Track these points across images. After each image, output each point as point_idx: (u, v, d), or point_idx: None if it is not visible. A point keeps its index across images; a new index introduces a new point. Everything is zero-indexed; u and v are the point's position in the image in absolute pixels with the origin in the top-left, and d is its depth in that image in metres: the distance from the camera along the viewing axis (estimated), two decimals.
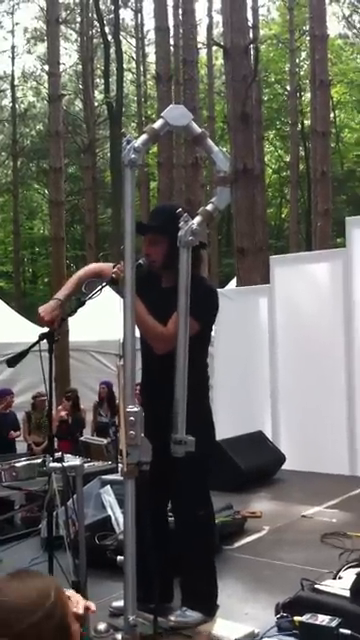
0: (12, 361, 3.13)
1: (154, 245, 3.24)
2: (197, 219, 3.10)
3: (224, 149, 3.56)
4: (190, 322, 3.01)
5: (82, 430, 9.82)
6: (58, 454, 3.37)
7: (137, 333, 3.05)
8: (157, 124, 3.06)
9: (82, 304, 3.14)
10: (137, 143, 2.90)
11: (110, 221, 28.48)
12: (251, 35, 12.63)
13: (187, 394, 2.97)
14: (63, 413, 9.64)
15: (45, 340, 3.09)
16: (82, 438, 9.08)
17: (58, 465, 3.09)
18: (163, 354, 3.12)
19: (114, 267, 3.07)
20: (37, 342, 3.06)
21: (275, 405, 7.51)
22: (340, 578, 3.17)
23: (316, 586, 2.96)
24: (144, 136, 3.00)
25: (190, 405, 2.98)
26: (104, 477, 4.86)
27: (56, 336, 3.09)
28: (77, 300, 3.17)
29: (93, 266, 3.46)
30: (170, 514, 3.41)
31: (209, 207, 3.18)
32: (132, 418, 2.75)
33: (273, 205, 31.53)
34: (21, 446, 9.55)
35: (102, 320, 11.00)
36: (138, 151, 2.88)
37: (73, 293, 3.20)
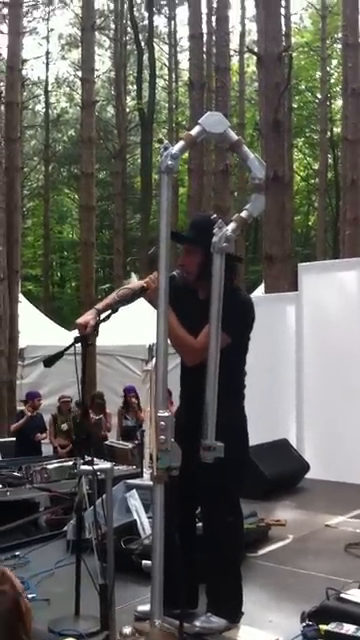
0: (48, 362, 3.19)
1: (189, 256, 3.27)
2: (231, 225, 3.11)
3: None
4: (222, 336, 3.03)
5: (106, 434, 9.88)
6: (88, 457, 3.41)
7: None
8: (194, 131, 3.07)
9: (115, 310, 3.22)
10: (174, 150, 2.92)
11: (139, 226, 28.63)
12: (284, 43, 12.62)
13: (222, 401, 2.99)
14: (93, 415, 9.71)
15: (79, 344, 3.15)
16: (107, 442, 9.14)
17: (88, 468, 3.13)
18: (193, 365, 3.16)
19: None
20: (72, 345, 3.11)
21: (300, 413, 7.48)
22: None
23: (342, 595, 2.95)
24: (181, 143, 3.02)
25: (225, 412, 3.00)
26: (129, 481, 4.89)
27: (90, 341, 3.14)
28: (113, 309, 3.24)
29: (132, 284, 3.54)
30: (198, 520, 3.42)
31: (243, 214, 3.19)
32: (163, 423, 2.77)
33: (300, 212, 31.44)
34: (46, 448, 9.63)
35: (129, 325, 11.10)
36: (175, 158, 2.90)
37: (109, 305, 3.26)
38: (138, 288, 3.22)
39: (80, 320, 3.16)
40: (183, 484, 2.84)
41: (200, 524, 3.38)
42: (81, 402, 3.39)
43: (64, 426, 9.62)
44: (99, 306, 3.26)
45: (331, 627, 2.59)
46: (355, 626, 2.56)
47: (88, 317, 3.16)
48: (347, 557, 4.29)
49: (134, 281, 3.47)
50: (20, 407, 10.86)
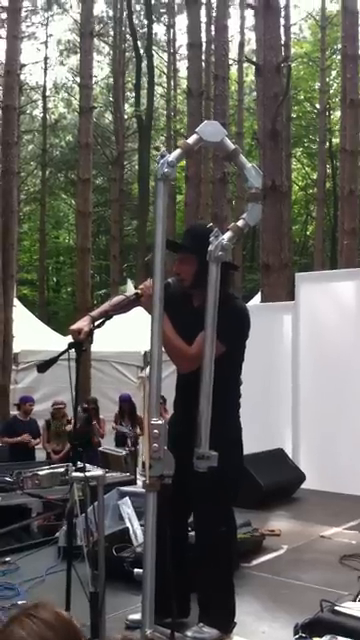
0: (42, 367, 3.16)
1: (184, 264, 3.26)
2: (228, 234, 3.11)
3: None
4: (216, 344, 3.02)
5: (99, 440, 9.83)
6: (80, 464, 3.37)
7: None
8: (191, 139, 3.08)
9: (109, 317, 3.22)
10: (171, 157, 2.92)
11: (135, 233, 28.64)
12: (283, 53, 12.67)
13: (216, 410, 2.98)
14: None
15: (73, 349, 3.13)
16: (101, 448, 9.09)
17: (80, 475, 3.10)
18: (186, 373, 3.15)
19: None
20: (66, 350, 3.09)
21: (296, 423, 7.46)
22: None
23: (336, 608, 2.92)
24: (178, 151, 3.03)
25: (219, 422, 2.99)
26: (122, 488, 4.86)
27: (84, 346, 3.13)
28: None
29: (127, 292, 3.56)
30: (191, 529, 3.39)
31: (240, 223, 3.19)
32: (156, 431, 2.75)
33: (298, 222, 31.51)
34: (40, 454, 9.58)
35: (124, 331, 11.06)
36: (172, 165, 2.91)
37: (104, 312, 3.26)
38: (132, 295, 3.21)
39: (74, 326, 3.15)
40: (176, 492, 2.82)
41: (192, 533, 3.36)
42: (74, 407, 3.35)
43: (69, 426, 9.56)
44: (94, 313, 3.27)
45: None
46: (349, 639, 2.53)
47: (82, 323, 3.15)
48: (342, 569, 4.26)
49: (130, 288, 3.47)
50: (13, 412, 10.80)
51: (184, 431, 3.01)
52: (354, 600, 3.19)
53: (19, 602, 3.56)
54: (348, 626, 2.73)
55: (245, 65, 24.84)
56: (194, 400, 3.03)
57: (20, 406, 9.73)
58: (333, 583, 3.87)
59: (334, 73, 26.39)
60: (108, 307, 3.31)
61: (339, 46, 20.13)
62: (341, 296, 7.54)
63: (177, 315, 3.13)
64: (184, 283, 3.27)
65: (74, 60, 27.23)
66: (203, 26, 18.07)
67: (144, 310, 3.19)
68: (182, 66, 26.66)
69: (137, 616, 2.99)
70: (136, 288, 3.37)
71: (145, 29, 27.98)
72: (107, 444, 9.88)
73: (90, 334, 3.15)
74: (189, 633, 3.09)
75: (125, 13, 27.31)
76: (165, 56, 29.55)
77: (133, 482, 6.52)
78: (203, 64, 17.79)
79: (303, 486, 6.63)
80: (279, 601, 3.70)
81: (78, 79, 19.23)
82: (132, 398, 10.66)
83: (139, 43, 27.30)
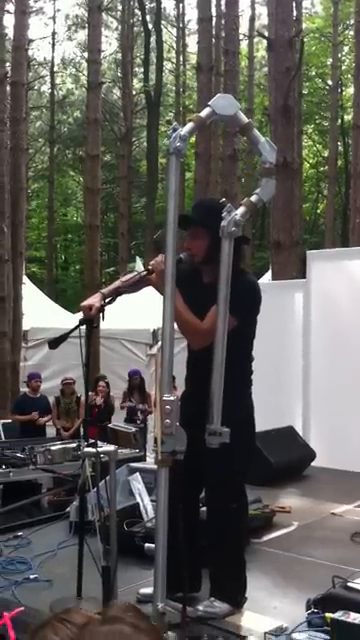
0: (53, 343, 3.16)
1: (196, 239, 3.22)
2: (240, 210, 3.07)
3: None
4: (228, 318, 2.99)
5: (110, 417, 9.87)
6: (92, 439, 3.38)
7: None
8: (204, 112, 3.03)
9: (119, 294, 3.19)
10: (183, 131, 2.87)
11: (144, 210, 28.52)
12: (295, 28, 12.46)
13: (228, 386, 2.96)
14: (98, 398, 9.68)
15: (84, 326, 3.12)
16: (110, 425, 9.13)
17: (92, 450, 3.10)
18: (200, 349, 3.12)
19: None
20: (77, 327, 3.09)
21: (307, 401, 7.45)
22: None
23: (349, 584, 2.93)
24: (190, 124, 2.98)
25: (231, 397, 2.97)
26: (132, 464, 4.88)
27: (95, 323, 3.11)
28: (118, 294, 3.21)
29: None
30: (202, 504, 3.40)
31: (253, 198, 3.14)
32: (168, 407, 2.74)
33: (309, 200, 31.29)
34: (51, 431, 9.63)
35: (133, 309, 11.05)
36: (184, 139, 2.85)
37: (117, 289, 3.23)
38: (143, 271, 3.18)
39: (85, 303, 3.14)
40: (187, 468, 2.82)
41: (204, 509, 3.36)
42: (85, 384, 3.36)
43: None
44: (105, 290, 3.25)
45: (337, 615, 2.57)
46: None
47: (93, 300, 3.13)
48: (353, 546, 4.26)
49: (139, 266, 3.44)
50: (23, 389, 10.85)
51: (195, 407, 3.01)
52: None
53: (31, 576, 3.59)
54: None
55: (256, 40, 24.56)
56: (205, 376, 3.01)
57: (28, 383, 9.78)
58: (344, 560, 3.87)
59: (346, 49, 26.03)
60: (119, 284, 3.28)
61: (352, 21, 19.83)
62: (353, 274, 7.48)
63: (187, 291, 3.10)
64: (196, 259, 3.23)
65: (82, 35, 26.98)
66: (213, 0, 17.82)
67: (153, 288, 3.16)
68: (191, 41, 26.43)
69: (148, 590, 3.01)
70: (145, 265, 3.34)
71: (154, 3, 27.63)
72: (116, 421, 9.91)
73: (101, 311, 3.13)
74: (200, 607, 3.11)
75: None
76: (174, 31, 29.23)
77: (143, 458, 6.55)
78: (213, 39, 17.55)
79: (313, 464, 6.63)
80: (290, 577, 3.71)
81: (86, 54, 19.02)
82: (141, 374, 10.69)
83: (148, 17, 26.98)
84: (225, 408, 2.96)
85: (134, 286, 3.25)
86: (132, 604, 1.28)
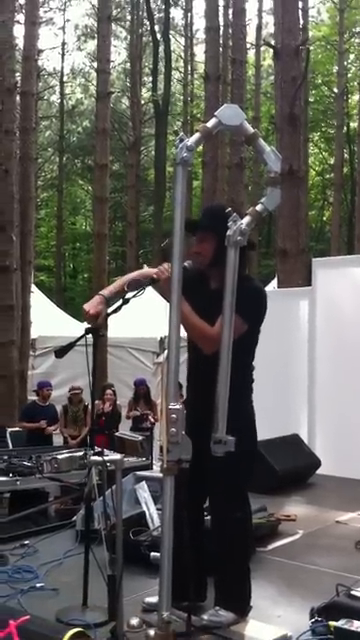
0: (60, 352, 3.17)
1: (204, 242, 3.25)
2: (246, 219, 3.09)
3: None
4: (237, 322, 3.00)
5: (118, 425, 9.89)
6: (98, 448, 3.40)
7: (182, 332, 3.05)
8: (210, 123, 3.05)
9: (126, 302, 3.17)
10: (190, 141, 2.89)
11: (151, 219, 28.60)
12: (301, 36, 12.51)
13: (231, 394, 2.97)
14: (106, 406, 9.70)
15: (90, 335, 3.13)
16: (117, 433, 9.14)
17: (99, 459, 3.12)
18: (210, 354, 3.13)
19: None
20: (83, 336, 3.09)
21: (312, 409, 7.45)
22: None
23: (352, 592, 2.93)
24: (197, 135, 3.00)
25: (233, 406, 2.98)
26: (138, 473, 4.89)
27: (101, 332, 3.12)
28: (122, 298, 3.21)
29: (139, 271, 3.52)
30: (207, 513, 3.41)
31: (258, 207, 3.16)
32: (174, 415, 2.75)
33: (315, 207, 31.29)
34: (58, 439, 9.65)
35: (140, 317, 11.09)
36: (191, 149, 2.88)
37: (117, 292, 3.24)
38: (148, 278, 3.18)
39: (91, 310, 3.12)
40: (192, 477, 2.83)
41: (208, 517, 3.37)
42: (92, 392, 3.37)
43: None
44: (105, 292, 3.23)
45: (341, 624, 2.57)
46: None
47: (100, 307, 3.13)
48: (357, 554, 4.27)
49: (148, 270, 3.43)
50: (32, 397, 10.88)
51: (197, 415, 3.01)
52: None
53: (38, 585, 3.60)
54: None
55: (262, 49, 24.62)
56: (207, 385, 3.02)
57: (38, 392, 9.80)
58: (349, 568, 3.88)
59: (352, 57, 26.09)
60: (120, 286, 3.24)
61: (358, 29, 19.89)
62: (358, 281, 7.49)
63: (194, 298, 3.10)
64: (203, 262, 3.25)
65: (91, 45, 27.11)
66: (221, 9, 17.91)
67: (159, 295, 3.17)
68: (199, 50, 26.52)
69: (154, 599, 3.01)
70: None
71: (162, 13, 27.79)
72: (122, 429, 9.93)
73: (105, 319, 3.14)
74: (205, 616, 3.11)
75: None
76: (182, 40, 29.36)
77: (149, 467, 6.55)
78: (220, 48, 17.64)
79: (319, 472, 6.64)
80: (295, 585, 3.72)
81: (95, 64, 19.12)
82: (147, 382, 10.70)
83: (156, 27, 27.13)
84: (228, 416, 2.97)
85: (138, 288, 3.24)
86: None
